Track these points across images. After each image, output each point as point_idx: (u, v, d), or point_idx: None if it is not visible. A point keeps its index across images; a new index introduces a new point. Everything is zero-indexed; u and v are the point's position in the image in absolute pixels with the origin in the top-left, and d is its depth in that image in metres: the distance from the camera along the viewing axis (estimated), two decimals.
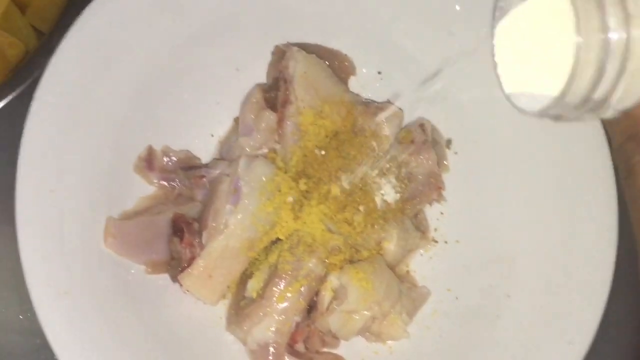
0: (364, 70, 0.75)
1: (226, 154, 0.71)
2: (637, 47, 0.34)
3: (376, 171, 0.69)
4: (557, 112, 0.39)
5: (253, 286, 0.66)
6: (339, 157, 0.68)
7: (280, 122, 0.68)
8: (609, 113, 0.38)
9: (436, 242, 0.74)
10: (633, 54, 0.34)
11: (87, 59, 0.62)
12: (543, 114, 0.40)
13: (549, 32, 0.37)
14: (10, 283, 0.69)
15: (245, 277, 0.67)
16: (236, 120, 0.74)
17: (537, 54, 0.39)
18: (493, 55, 0.43)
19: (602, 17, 0.34)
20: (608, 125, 0.41)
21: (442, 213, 0.74)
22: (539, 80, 0.40)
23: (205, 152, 0.73)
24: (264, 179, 0.66)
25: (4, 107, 0.60)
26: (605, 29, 0.34)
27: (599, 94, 0.36)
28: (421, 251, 0.74)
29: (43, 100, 0.60)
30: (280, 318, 0.63)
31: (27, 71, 0.61)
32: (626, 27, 0.34)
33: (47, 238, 0.58)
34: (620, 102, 0.37)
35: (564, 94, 0.38)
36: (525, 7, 0.39)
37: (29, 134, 0.58)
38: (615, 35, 0.34)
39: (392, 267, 0.70)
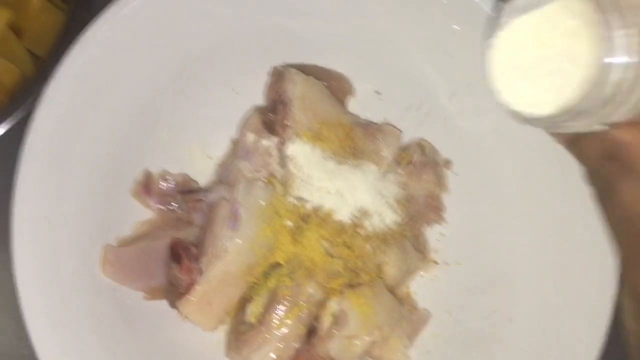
0: (362, 91, 0.75)
1: (224, 177, 0.71)
2: None
3: (376, 194, 0.68)
4: (551, 122, 0.40)
5: (252, 311, 0.65)
6: None
7: (279, 145, 0.68)
8: (597, 126, 0.39)
9: (436, 263, 0.73)
10: None
11: (83, 84, 0.61)
12: (536, 123, 0.40)
13: (565, 45, 0.38)
14: (7, 308, 0.68)
15: (244, 301, 0.67)
16: (234, 142, 0.73)
17: (547, 66, 0.40)
18: (487, 64, 0.44)
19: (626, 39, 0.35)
20: (581, 149, 0.42)
21: (442, 234, 0.74)
22: (542, 91, 0.40)
23: (203, 175, 0.72)
24: (262, 203, 0.66)
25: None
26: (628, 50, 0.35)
27: (605, 110, 0.37)
28: (422, 273, 0.73)
29: (39, 127, 0.59)
30: (280, 345, 0.63)
31: (23, 98, 0.61)
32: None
33: (43, 268, 0.57)
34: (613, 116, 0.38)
35: (567, 106, 0.38)
36: (536, 16, 0.39)
37: (25, 162, 0.58)
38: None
39: (392, 290, 0.70)
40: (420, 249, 0.73)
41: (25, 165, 0.58)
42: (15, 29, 0.67)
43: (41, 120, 0.60)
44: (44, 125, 0.60)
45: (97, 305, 0.61)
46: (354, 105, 0.75)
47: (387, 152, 0.70)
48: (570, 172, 0.67)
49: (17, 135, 0.60)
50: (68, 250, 0.60)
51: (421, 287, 0.73)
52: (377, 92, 0.75)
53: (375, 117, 0.75)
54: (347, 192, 0.67)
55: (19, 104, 0.61)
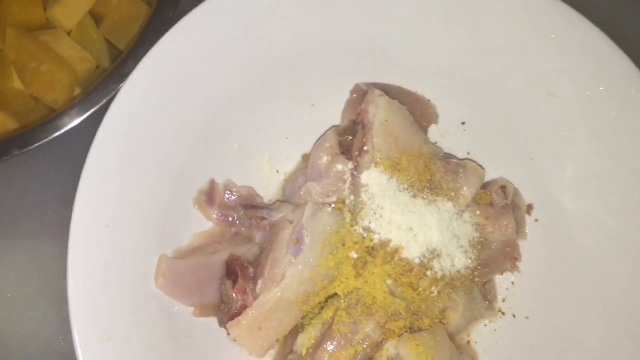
0: (447, 120, 0.70)
1: (290, 194, 0.67)
2: None
3: (449, 234, 0.64)
4: None
5: (303, 342, 0.62)
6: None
7: (353, 171, 0.63)
8: None
9: (503, 314, 0.68)
10: None
11: (159, 87, 0.58)
12: None
13: None
14: (53, 301, 0.67)
15: (295, 329, 0.63)
16: (304, 157, 0.69)
17: None
18: None
19: None
20: None
21: (512, 283, 0.69)
22: None
23: (268, 188, 0.69)
24: (328, 229, 0.62)
25: (73, 129, 0.57)
26: None
27: None
28: (485, 321, 0.68)
29: (110, 127, 0.57)
30: None
31: (97, 91, 0.58)
32: None
33: (96, 275, 0.55)
34: None
35: None
36: None
37: (91, 163, 0.55)
38: None
39: (451, 336, 0.65)
40: (487, 296, 0.68)
41: (91, 167, 0.56)
42: (95, 16, 0.64)
43: (112, 119, 0.57)
44: (114, 125, 0.57)
45: (145, 317, 0.58)
46: (435, 132, 0.70)
47: (468, 191, 0.65)
48: None
49: (88, 130, 0.57)
50: (123, 258, 0.57)
51: (482, 337, 0.68)
52: (463, 123, 0.70)
53: (457, 148, 0.70)
54: (419, 229, 0.63)
55: (93, 98, 0.58)
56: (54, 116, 0.57)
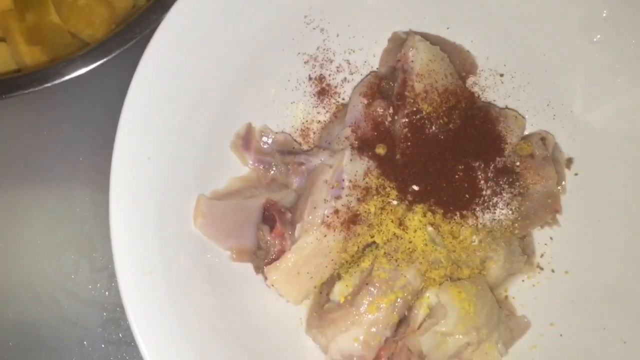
0: (485, 71, 0.69)
1: (327, 142, 0.66)
2: None
3: (489, 184, 0.62)
4: None
5: (341, 290, 0.60)
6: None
7: (394, 115, 0.62)
8: None
9: (541, 269, 0.67)
10: None
11: (201, 21, 0.57)
12: None
13: None
14: (85, 249, 0.65)
15: (332, 279, 0.62)
16: (340, 107, 0.68)
17: None
18: None
19: None
20: None
21: (551, 238, 0.67)
22: None
23: (305, 137, 0.67)
24: (369, 175, 0.60)
25: (110, 60, 0.56)
26: None
27: None
28: (523, 277, 0.67)
29: (151, 61, 0.55)
30: (371, 330, 0.57)
31: (137, 27, 0.57)
32: None
33: (138, 211, 0.53)
34: None
35: None
36: None
37: (132, 95, 0.54)
38: None
39: (490, 289, 0.64)
40: (526, 250, 0.67)
41: (132, 99, 0.54)
42: None
43: (153, 55, 0.55)
44: (155, 61, 0.55)
45: (185, 260, 0.57)
46: (472, 84, 0.69)
47: (510, 140, 0.64)
48: None
49: (127, 64, 0.55)
50: (163, 193, 0.56)
51: (520, 293, 0.66)
52: (501, 75, 0.69)
53: (495, 100, 0.69)
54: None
55: (133, 34, 0.57)
56: (89, 49, 0.55)
